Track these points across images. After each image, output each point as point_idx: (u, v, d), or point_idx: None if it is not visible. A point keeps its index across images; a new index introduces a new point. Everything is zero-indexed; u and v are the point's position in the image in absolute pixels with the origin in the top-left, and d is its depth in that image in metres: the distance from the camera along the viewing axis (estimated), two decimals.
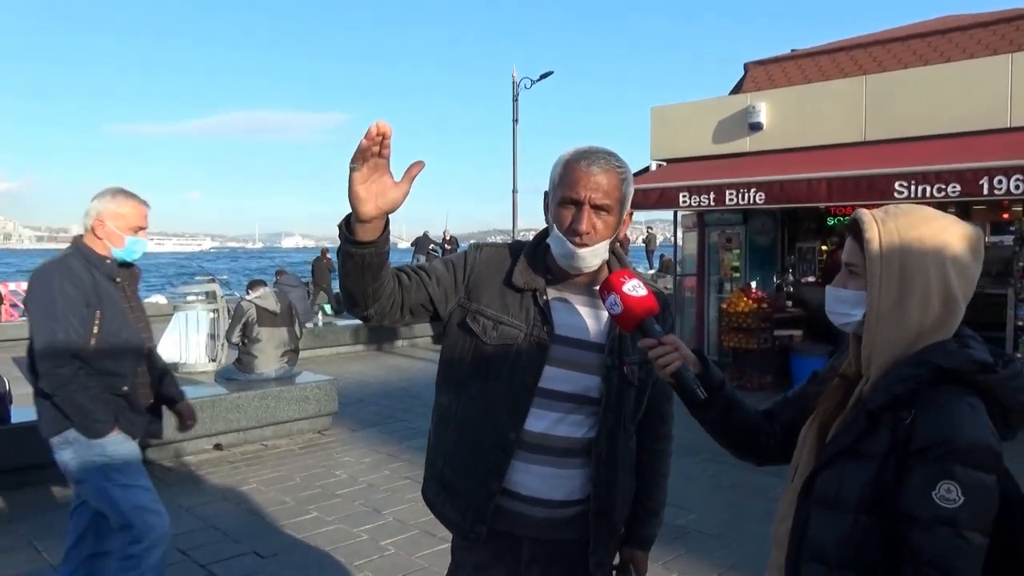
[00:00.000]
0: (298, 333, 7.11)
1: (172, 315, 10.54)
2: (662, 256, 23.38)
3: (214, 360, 10.00)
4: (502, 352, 1.73)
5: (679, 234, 10.55)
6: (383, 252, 1.51)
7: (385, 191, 1.41)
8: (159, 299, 17.10)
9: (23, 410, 5.50)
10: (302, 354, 10.03)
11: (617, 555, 1.92)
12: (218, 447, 6.14)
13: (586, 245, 1.68)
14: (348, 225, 1.46)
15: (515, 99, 21.27)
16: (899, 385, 1.27)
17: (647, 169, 10.06)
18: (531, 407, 1.73)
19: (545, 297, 1.76)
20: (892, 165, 7.36)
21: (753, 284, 9.08)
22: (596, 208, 1.68)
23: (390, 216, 1.48)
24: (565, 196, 1.68)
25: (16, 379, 9.80)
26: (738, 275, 9.62)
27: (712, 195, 8.35)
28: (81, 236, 2.93)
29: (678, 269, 10.88)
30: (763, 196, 7.92)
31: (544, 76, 21.41)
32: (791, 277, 10.22)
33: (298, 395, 6.60)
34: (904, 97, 8.16)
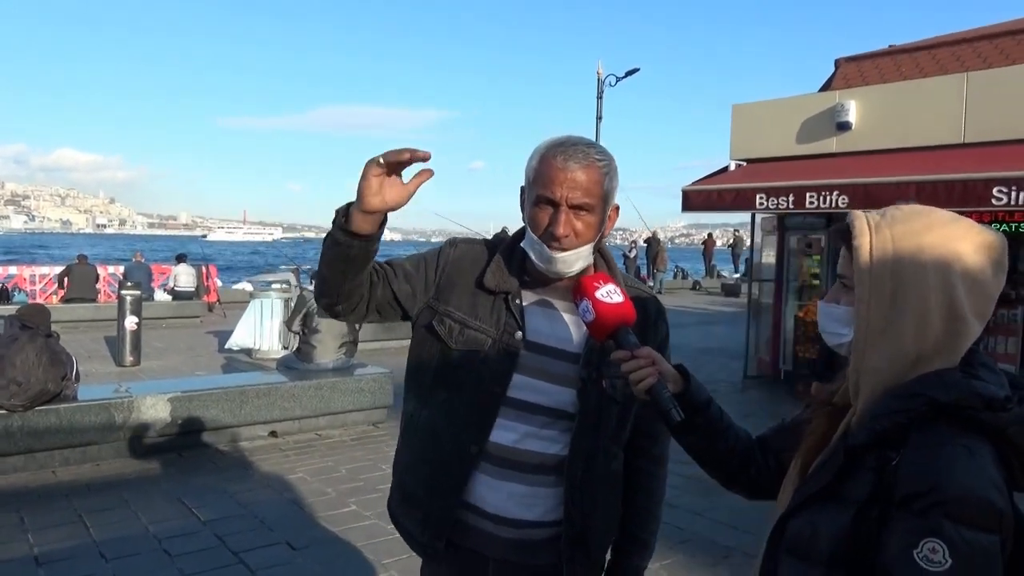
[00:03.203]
0: (357, 325, 7.16)
1: (248, 302, 10.88)
2: (747, 260, 22.62)
3: (286, 348, 10.23)
4: (468, 358, 1.61)
5: (758, 238, 10.10)
6: (372, 249, 1.49)
7: (395, 188, 1.42)
8: (246, 286, 17.72)
9: (89, 388, 5.73)
10: (371, 345, 10.13)
11: None
12: (273, 434, 6.24)
13: (565, 249, 1.54)
14: (347, 213, 1.43)
15: (599, 96, 20.94)
16: (885, 419, 1.07)
17: (725, 169, 9.67)
18: (500, 418, 1.60)
19: (518, 301, 1.62)
20: (992, 169, 6.80)
21: None
22: (575, 208, 1.52)
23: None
24: (540, 195, 1.54)
25: (104, 357, 10.38)
26: (817, 282, 9.12)
27: (791, 197, 7.93)
28: None
29: (753, 274, 10.43)
30: (846, 199, 7.45)
31: (630, 73, 21.00)
32: None
33: (353, 387, 6.64)
34: (1011, 96, 7.50)
